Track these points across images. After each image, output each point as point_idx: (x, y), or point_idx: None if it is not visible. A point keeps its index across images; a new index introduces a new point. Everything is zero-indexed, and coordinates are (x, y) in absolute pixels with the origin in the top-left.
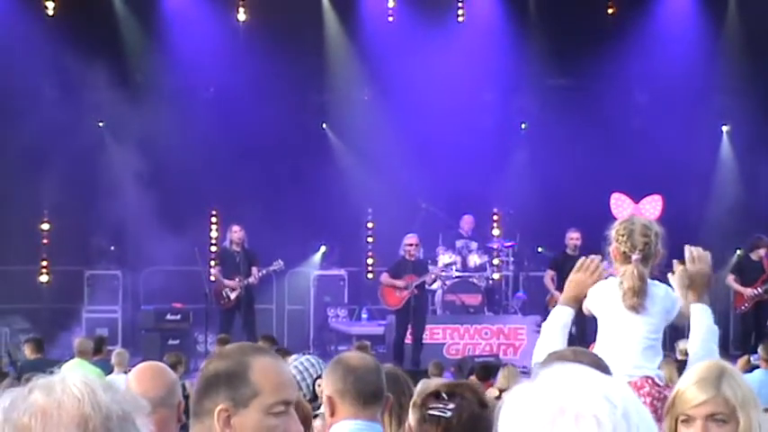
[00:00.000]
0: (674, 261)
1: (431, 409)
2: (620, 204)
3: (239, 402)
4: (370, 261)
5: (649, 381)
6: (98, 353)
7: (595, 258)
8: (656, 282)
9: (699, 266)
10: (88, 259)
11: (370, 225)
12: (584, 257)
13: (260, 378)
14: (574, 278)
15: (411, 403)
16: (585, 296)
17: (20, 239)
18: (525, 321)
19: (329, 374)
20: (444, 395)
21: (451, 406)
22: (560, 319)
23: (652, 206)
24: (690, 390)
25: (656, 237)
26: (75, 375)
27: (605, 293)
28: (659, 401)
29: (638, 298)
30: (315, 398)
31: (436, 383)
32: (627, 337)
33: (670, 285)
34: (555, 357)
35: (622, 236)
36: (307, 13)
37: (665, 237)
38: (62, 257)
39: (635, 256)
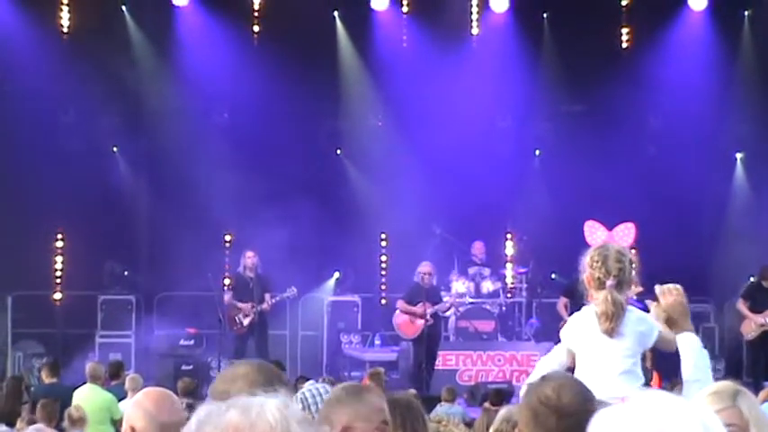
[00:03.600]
0: (649, 302)
1: None
2: (594, 232)
3: None
4: (383, 287)
5: None
6: (116, 377)
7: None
8: (630, 307)
9: (670, 299)
10: (102, 284)
11: (383, 251)
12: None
13: None
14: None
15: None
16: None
17: (34, 264)
18: (538, 348)
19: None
20: None
21: None
22: None
23: (625, 234)
24: (705, 400)
25: (630, 263)
26: (275, 402)
27: (580, 323)
28: None
29: (611, 323)
30: None
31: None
32: (604, 364)
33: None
34: (535, 390)
35: (597, 262)
36: (321, 39)
37: (638, 264)
38: (76, 282)
39: (609, 282)
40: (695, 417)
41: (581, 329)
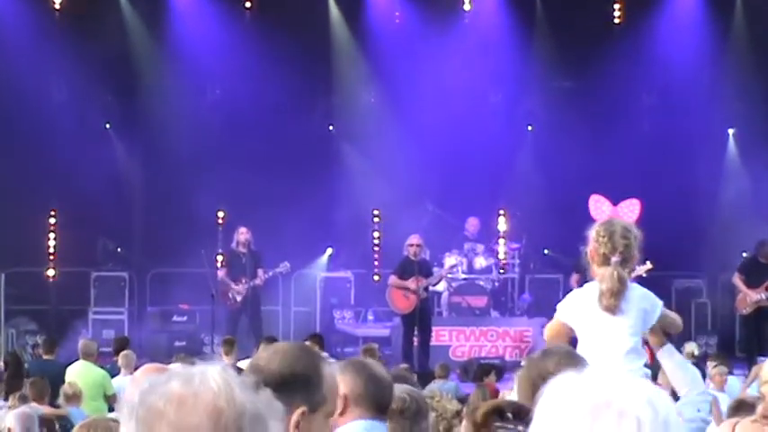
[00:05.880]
0: None
1: (499, 428)
2: (599, 206)
3: (312, 407)
4: (376, 263)
5: None
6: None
7: None
8: (634, 284)
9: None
10: (95, 261)
11: (376, 227)
12: None
13: (329, 387)
14: None
15: (467, 415)
16: None
17: (27, 241)
18: (531, 323)
19: (347, 376)
20: (510, 415)
21: (521, 428)
22: None
23: (630, 209)
24: (765, 367)
25: (636, 240)
26: (215, 369)
27: (582, 300)
28: None
29: (615, 299)
30: None
31: (497, 401)
32: (609, 342)
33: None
34: (537, 364)
35: (603, 237)
36: (313, 16)
37: (642, 241)
38: (69, 259)
39: (615, 258)
40: (642, 391)
41: (583, 306)
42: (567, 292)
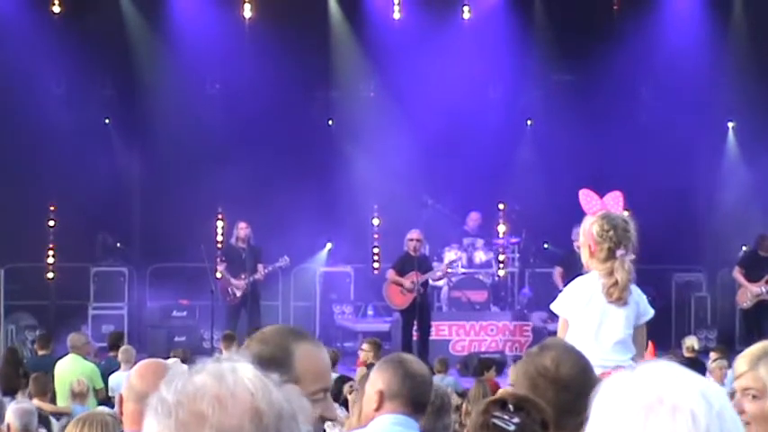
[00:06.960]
0: None
1: (494, 417)
2: (590, 200)
3: None
4: (376, 258)
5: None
6: (115, 349)
7: None
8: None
9: None
10: (94, 256)
11: (375, 222)
12: None
13: (302, 365)
14: None
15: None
16: None
17: (26, 236)
18: (531, 318)
19: (385, 372)
20: (510, 407)
21: (516, 420)
22: None
23: (615, 201)
24: (736, 361)
25: (634, 231)
26: (245, 366)
27: (578, 292)
28: None
29: (626, 291)
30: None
31: (503, 391)
32: (603, 332)
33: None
34: (533, 360)
35: (607, 232)
36: (312, 10)
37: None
38: (68, 254)
39: (621, 251)
40: (695, 385)
41: (583, 298)
42: (563, 287)
